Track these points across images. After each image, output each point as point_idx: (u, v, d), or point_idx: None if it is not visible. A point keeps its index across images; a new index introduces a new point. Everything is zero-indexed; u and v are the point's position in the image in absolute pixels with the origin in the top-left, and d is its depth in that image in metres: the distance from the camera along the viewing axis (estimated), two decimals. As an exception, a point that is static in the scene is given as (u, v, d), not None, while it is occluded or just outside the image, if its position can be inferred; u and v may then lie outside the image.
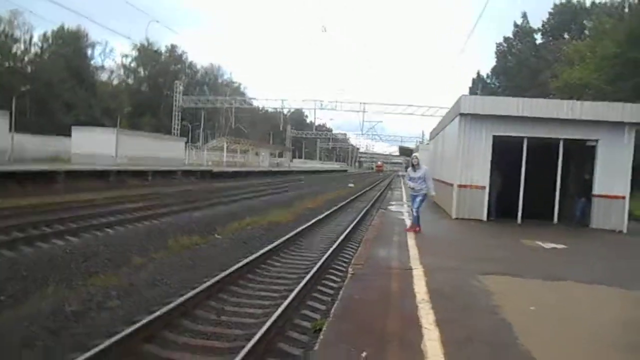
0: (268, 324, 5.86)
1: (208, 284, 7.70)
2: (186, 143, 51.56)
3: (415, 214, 11.67)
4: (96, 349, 5.03)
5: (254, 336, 5.51)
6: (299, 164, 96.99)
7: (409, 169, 12.30)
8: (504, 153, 14.49)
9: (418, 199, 11.65)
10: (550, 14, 55.40)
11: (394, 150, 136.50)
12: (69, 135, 36.78)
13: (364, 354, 3.75)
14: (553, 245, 10.39)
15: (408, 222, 12.97)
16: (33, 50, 60.94)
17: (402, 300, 5.39)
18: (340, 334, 4.35)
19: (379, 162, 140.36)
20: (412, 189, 11.87)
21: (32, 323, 6.19)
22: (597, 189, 14.25)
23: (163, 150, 41.19)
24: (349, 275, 6.67)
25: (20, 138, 34.82)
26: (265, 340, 5.57)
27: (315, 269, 8.88)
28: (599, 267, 8.46)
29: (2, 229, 11.51)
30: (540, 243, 10.54)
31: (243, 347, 5.27)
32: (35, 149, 37.17)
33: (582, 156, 15.33)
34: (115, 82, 78.30)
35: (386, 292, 5.72)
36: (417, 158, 12.21)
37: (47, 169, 25.10)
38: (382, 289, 5.89)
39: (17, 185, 21.69)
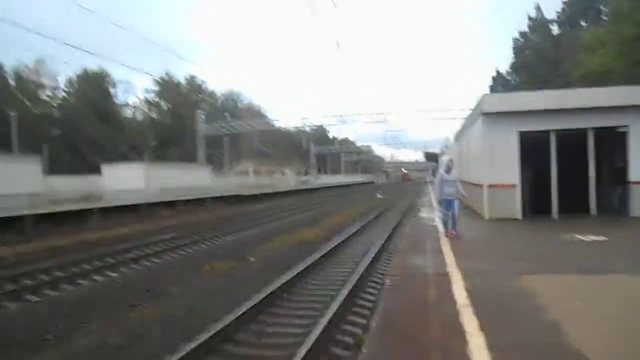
0: (310, 342, 5.84)
1: (245, 308, 7.73)
2: (212, 170, 52.24)
3: (453, 218, 11.32)
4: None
5: (295, 356, 5.50)
6: (325, 180, 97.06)
7: (441, 172, 11.81)
8: (533, 149, 14.21)
9: (456, 203, 11.40)
10: (564, 3, 54.54)
11: (420, 156, 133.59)
12: (100, 173, 37.75)
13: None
14: (593, 237, 10.07)
15: (440, 228, 12.79)
16: (60, 94, 63.21)
17: (442, 306, 5.28)
18: (382, 346, 4.28)
19: (405, 171, 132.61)
20: (447, 194, 11.39)
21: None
22: (632, 176, 13.80)
23: (190, 179, 41.80)
24: (386, 286, 6.59)
25: (54, 180, 35.88)
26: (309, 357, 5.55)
27: (352, 283, 8.83)
28: (642, 257, 8.16)
29: (43, 270, 11.84)
30: (579, 236, 10.23)
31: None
32: (68, 189, 38.20)
33: (613, 143, 14.92)
34: (139, 117, 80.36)
35: (425, 300, 5.62)
36: (452, 160, 11.86)
37: (81, 207, 25.79)
38: (421, 297, 5.79)
39: (53, 225, 22.32)
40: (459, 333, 4.38)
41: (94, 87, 64.75)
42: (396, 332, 4.64)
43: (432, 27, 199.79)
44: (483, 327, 4.46)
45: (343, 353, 6.00)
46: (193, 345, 6.10)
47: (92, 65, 65.59)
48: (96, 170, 39.87)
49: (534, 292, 5.77)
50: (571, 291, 5.92)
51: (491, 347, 4.01)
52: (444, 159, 12.00)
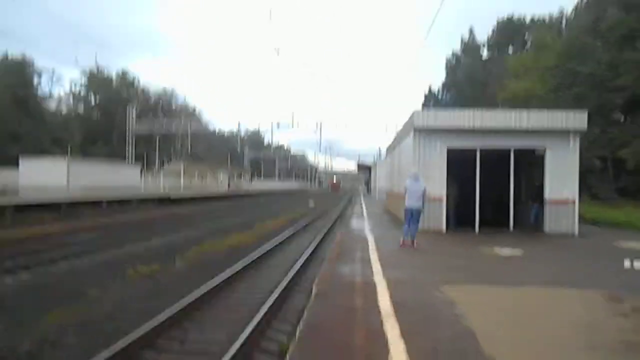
0: (233, 350, 5.74)
1: (168, 312, 7.48)
2: (142, 169, 50.44)
3: (412, 229, 11.60)
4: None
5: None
6: (258, 185, 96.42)
7: (408, 182, 11.93)
8: (459, 164, 14.88)
9: (418, 216, 11.66)
10: (493, 29, 57.90)
11: (353, 166, 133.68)
12: (16, 166, 35.35)
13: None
14: (510, 251, 10.68)
15: (370, 238, 13.05)
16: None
17: (367, 314, 5.39)
18: (306, 351, 4.29)
19: (334, 180, 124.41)
20: (413, 204, 11.58)
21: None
22: (548, 195, 14.80)
23: (118, 178, 40.13)
24: (312, 293, 6.62)
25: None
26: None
27: (279, 290, 8.79)
28: (554, 270, 8.75)
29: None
30: (497, 250, 10.81)
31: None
32: (-21, 182, 35.49)
33: (532, 164, 15.93)
34: (64, 110, 76.15)
35: (351, 308, 5.71)
36: (417, 172, 12.17)
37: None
38: (347, 304, 5.87)
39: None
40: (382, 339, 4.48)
41: (14, 75, 60.62)
42: (321, 339, 4.67)
43: (371, 41, 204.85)
44: (404, 334, 4.60)
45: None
46: (107, 354, 5.80)
47: (14, 51, 61.50)
48: (12, 163, 37.35)
49: (454, 301, 6.02)
50: (489, 301, 6.24)
51: (411, 352, 4.13)
52: (412, 171, 12.22)
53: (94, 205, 30.81)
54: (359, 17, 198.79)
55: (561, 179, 14.75)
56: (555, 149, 14.76)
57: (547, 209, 14.87)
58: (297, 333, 4.99)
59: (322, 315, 5.54)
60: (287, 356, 4.23)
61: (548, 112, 15.61)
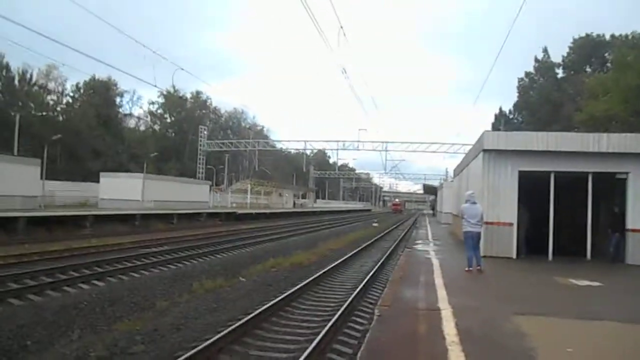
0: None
1: (231, 328, 7.60)
2: (210, 186, 52.22)
3: (476, 254, 11.22)
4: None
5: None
6: (322, 204, 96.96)
7: (465, 206, 11.57)
8: (531, 188, 14.21)
9: (478, 240, 11.29)
10: (570, 47, 55.48)
11: (418, 188, 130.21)
12: (97, 181, 37.71)
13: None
14: (587, 282, 9.98)
15: (434, 261, 12.70)
16: (65, 100, 63.63)
17: (431, 342, 5.18)
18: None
19: (396, 200, 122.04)
20: (471, 229, 11.18)
21: (56, 370, 6.17)
22: (630, 223, 13.78)
23: (188, 194, 41.77)
24: (375, 316, 6.48)
25: (51, 184, 35.85)
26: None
27: (340, 311, 8.71)
28: (637, 306, 8.06)
29: (30, 274, 11.69)
30: (573, 280, 10.14)
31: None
32: (64, 195, 38.17)
33: (612, 190, 14.94)
34: (142, 128, 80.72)
35: (413, 334, 5.52)
36: (474, 194, 11.79)
37: (76, 213, 25.66)
38: (409, 330, 5.69)
39: (46, 230, 22.18)
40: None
41: (100, 95, 65.21)
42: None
43: (440, 61, 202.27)
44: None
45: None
46: (174, 363, 5.95)
47: (101, 74, 66.12)
48: (94, 177, 39.90)
49: (525, 332, 5.69)
50: (563, 335, 5.84)
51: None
52: (467, 193, 11.85)
53: (165, 218, 32.22)
54: (429, 28, 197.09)
55: (646, 206, 13.70)
56: (639, 174, 13.77)
57: (630, 239, 13.83)
58: (359, 355, 4.90)
59: (384, 340, 5.41)
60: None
61: (631, 135, 14.63)
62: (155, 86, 33.28)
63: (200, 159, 62.94)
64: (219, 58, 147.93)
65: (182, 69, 30.64)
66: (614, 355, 5.19)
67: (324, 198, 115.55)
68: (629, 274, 12.45)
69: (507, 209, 14.08)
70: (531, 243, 14.63)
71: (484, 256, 13.90)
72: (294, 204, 77.62)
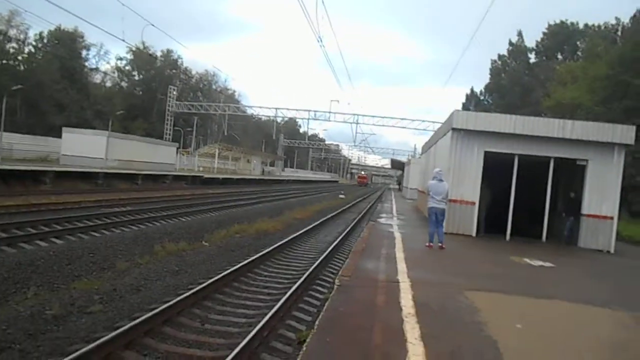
0: (252, 333, 5.78)
1: (192, 291, 7.60)
2: (177, 148, 51.33)
3: (439, 231, 11.38)
4: (74, 355, 4.92)
5: (238, 345, 5.43)
6: (291, 173, 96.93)
7: (431, 183, 11.63)
8: (495, 169, 14.53)
9: (443, 217, 11.44)
10: (544, 33, 56.12)
11: (387, 162, 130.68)
12: (60, 136, 36.51)
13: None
14: (541, 263, 10.37)
15: (397, 235, 12.93)
16: (27, 49, 60.70)
17: (388, 313, 5.32)
18: (324, 346, 4.27)
19: (362, 173, 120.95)
20: (437, 206, 11.28)
21: (9, 326, 6.06)
22: (586, 209, 14.31)
23: (154, 155, 40.98)
24: (335, 286, 6.59)
25: (9, 137, 34.53)
26: (249, 350, 5.50)
27: (302, 278, 8.83)
28: (586, 287, 8.46)
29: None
30: (528, 260, 10.52)
31: (226, 357, 5.19)
32: (24, 148, 36.88)
33: (571, 175, 15.43)
34: (108, 84, 78.03)
35: (372, 305, 5.65)
36: (442, 171, 11.83)
37: (35, 168, 24.86)
38: (368, 301, 5.81)
39: (3, 184, 21.45)
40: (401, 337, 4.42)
41: (65, 46, 62.43)
42: (339, 334, 4.64)
43: (416, 37, 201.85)
44: (424, 337, 4.52)
45: (285, 348, 5.95)
46: (131, 323, 5.93)
47: (67, 25, 63.21)
48: (56, 132, 38.58)
49: (478, 307, 5.89)
50: (514, 311, 6.07)
51: (429, 356, 4.06)
52: (435, 170, 11.93)
53: (130, 178, 31.63)
54: (406, 9, 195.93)
55: (601, 193, 14.21)
56: (598, 162, 14.21)
57: (584, 223, 14.38)
58: (317, 322, 4.99)
59: (343, 310, 5.51)
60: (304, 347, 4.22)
61: (594, 123, 15.04)
62: (124, 40, 32.12)
63: (168, 119, 61.59)
64: (194, 19, 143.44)
65: (153, 25, 29.52)
66: (561, 332, 5.41)
67: (292, 167, 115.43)
68: (581, 256, 12.98)
69: (471, 188, 14.38)
70: (491, 223, 15.04)
71: (446, 233, 14.29)
72: (263, 171, 77.31)
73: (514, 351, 4.46)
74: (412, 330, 4.65)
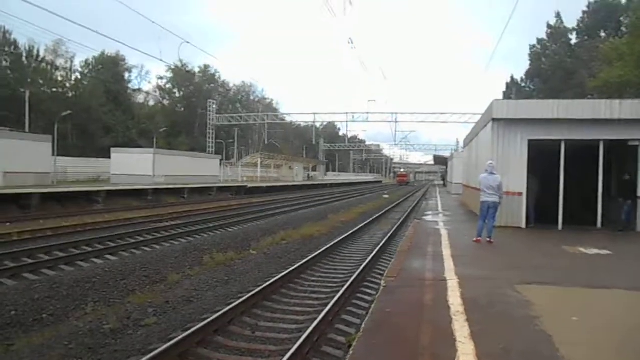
0: (302, 339, 5.82)
1: (241, 300, 7.73)
2: (221, 160, 52.38)
3: (489, 225, 11.08)
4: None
5: (288, 352, 5.48)
6: (333, 177, 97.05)
7: (482, 176, 11.39)
8: (541, 157, 14.06)
9: (494, 211, 11.13)
10: (584, 12, 54.00)
11: (430, 159, 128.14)
12: (109, 157, 38.00)
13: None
14: (596, 251, 9.94)
15: (443, 232, 12.71)
16: (74, 76, 63.62)
17: (436, 312, 5.21)
18: (370, 348, 4.23)
19: (402, 170, 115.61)
20: (489, 199, 11.00)
21: (71, 341, 6.34)
22: (642, 190, 13.62)
23: (199, 169, 41.99)
24: (381, 287, 6.54)
25: (63, 161, 36.21)
26: (299, 355, 5.54)
27: (350, 281, 8.82)
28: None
29: (44, 249, 11.91)
30: (582, 249, 10.09)
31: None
32: (77, 171, 38.60)
33: (624, 157, 14.73)
34: (151, 103, 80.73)
35: (419, 305, 5.56)
36: (493, 164, 11.51)
37: (88, 189, 25.97)
38: (415, 301, 5.73)
39: (59, 206, 22.51)
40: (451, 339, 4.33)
41: (108, 70, 65.09)
42: (386, 334, 4.60)
43: (448, 29, 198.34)
44: (474, 335, 4.42)
45: (335, 352, 5.96)
46: (184, 334, 6.09)
47: (109, 50, 65.88)
48: (105, 153, 40.16)
49: (531, 302, 5.70)
50: (569, 303, 5.84)
51: (480, 355, 3.95)
52: (488, 162, 11.62)
53: (177, 192, 32.53)
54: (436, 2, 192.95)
55: (658, 174, 13.51)
56: (652, 141, 13.52)
57: (642, 206, 13.69)
58: (363, 325, 4.97)
59: (389, 311, 5.46)
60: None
61: (644, 101, 14.31)
62: (161, 60, 33.58)
63: (209, 133, 62.95)
64: (225, 31, 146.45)
65: (188, 43, 30.38)
66: (620, 323, 5.16)
67: (334, 170, 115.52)
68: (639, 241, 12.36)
69: (517, 179, 13.95)
70: (541, 212, 14.54)
71: (494, 226, 13.93)
72: (309, 176, 77.81)
73: (572, 346, 4.26)
74: (461, 329, 4.54)
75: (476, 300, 5.69)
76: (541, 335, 4.55)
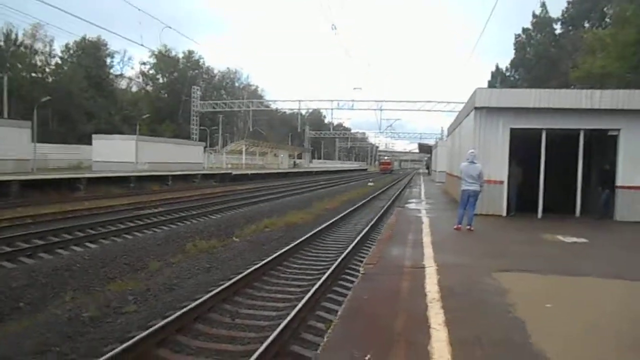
0: (281, 326, 5.85)
1: (222, 287, 7.73)
2: (205, 147, 51.99)
3: (469, 213, 11.15)
4: (108, 355, 5.06)
5: (267, 339, 5.50)
6: (318, 164, 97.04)
7: (463, 164, 11.46)
8: (522, 146, 14.19)
9: (475, 199, 11.19)
10: (569, 2, 54.24)
11: (414, 147, 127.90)
12: (90, 143, 37.45)
13: (367, 357, 3.66)
14: (574, 239, 10.10)
15: (425, 220, 12.81)
16: (54, 61, 62.37)
17: (412, 299, 5.26)
18: (346, 335, 4.27)
19: (385, 158, 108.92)
20: (469, 188, 11.08)
21: (49, 329, 6.29)
22: (620, 180, 13.85)
23: (182, 155, 41.63)
24: (359, 275, 6.58)
25: (43, 147, 35.58)
26: (279, 342, 5.57)
27: (331, 269, 8.86)
28: (621, 261, 8.17)
29: (23, 237, 11.75)
30: (560, 237, 10.25)
31: (255, 350, 5.25)
32: (57, 157, 38.00)
33: (603, 146, 14.94)
34: (134, 89, 79.57)
35: (396, 291, 5.60)
36: (474, 153, 11.52)
37: (69, 176, 25.61)
38: (393, 288, 5.77)
39: (39, 193, 22.18)
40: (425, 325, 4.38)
41: (90, 56, 63.91)
42: (362, 321, 4.63)
43: (433, 17, 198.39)
44: (448, 322, 4.48)
45: (315, 339, 5.99)
46: (163, 322, 6.07)
47: (90, 34, 64.64)
48: (87, 140, 39.58)
49: (506, 289, 5.78)
50: (544, 291, 5.93)
51: (453, 342, 4.01)
52: (469, 151, 11.65)
53: (160, 179, 32.26)
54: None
55: (636, 164, 13.72)
56: (631, 131, 13.70)
57: (619, 196, 13.92)
58: (340, 312, 5.01)
59: (366, 298, 5.50)
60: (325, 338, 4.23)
61: (624, 91, 14.47)
62: (142, 45, 32.78)
63: (193, 120, 62.38)
64: (208, 16, 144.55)
65: (170, 27, 29.86)
66: (593, 310, 5.25)
67: (319, 158, 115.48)
68: (616, 230, 12.60)
69: (498, 167, 14.08)
70: (522, 201, 14.72)
71: (475, 214, 14.06)
72: (295, 164, 77.66)
73: (544, 332, 4.34)
74: (436, 316, 4.59)
75: (453, 287, 5.75)
76: (515, 322, 4.62)
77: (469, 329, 4.34)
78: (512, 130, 14.03)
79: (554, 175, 14.60)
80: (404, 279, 6.11)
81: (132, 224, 14.89)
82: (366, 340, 4.08)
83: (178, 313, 6.43)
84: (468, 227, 11.02)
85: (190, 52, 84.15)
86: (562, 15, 55.71)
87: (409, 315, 4.69)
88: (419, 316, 4.64)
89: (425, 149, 75.14)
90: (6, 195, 20.22)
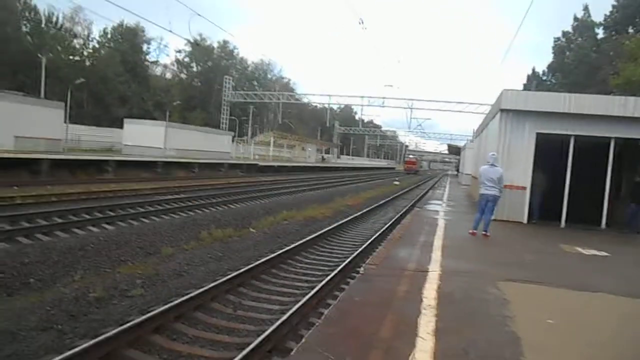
0: (280, 321, 5.82)
1: (230, 276, 7.75)
2: (234, 137, 52.40)
3: (486, 218, 10.85)
4: (102, 337, 5.12)
5: (263, 333, 5.48)
6: (346, 160, 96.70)
7: (483, 168, 11.11)
8: (548, 152, 13.76)
9: (493, 204, 10.88)
10: (613, 6, 52.33)
11: (445, 148, 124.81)
12: (122, 127, 38.21)
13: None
14: (594, 252, 9.72)
15: (440, 222, 12.58)
16: (91, 45, 63.79)
17: (406, 305, 5.10)
18: (323, 339, 4.11)
19: (410, 157, 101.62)
20: (488, 192, 10.75)
21: (53, 307, 6.41)
22: (650, 193, 13.28)
23: (211, 144, 42.05)
24: (357, 275, 6.47)
25: (77, 129, 36.52)
26: (276, 337, 5.54)
27: (341, 266, 8.79)
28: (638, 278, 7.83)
29: (44, 214, 12.03)
30: (579, 249, 9.89)
31: (250, 343, 5.23)
32: (90, 139, 38.92)
33: (636, 157, 14.35)
34: (168, 76, 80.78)
35: (391, 295, 5.44)
36: (495, 155, 11.26)
37: (98, 158, 26.19)
38: (388, 291, 5.61)
39: (69, 173, 22.75)
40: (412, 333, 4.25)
41: (127, 41, 65.12)
42: (345, 325, 4.53)
43: (466, 15, 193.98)
44: (438, 332, 4.32)
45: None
46: (162, 308, 6.11)
47: (129, 21, 65.81)
48: (119, 124, 40.39)
49: (507, 300, 5.56)
50: (548, 304, 5.68)
51: (437, 354, 3.84)
52: (490, 154, 11.38)
53: (187, 166, 32.70)
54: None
55: (668, 176, 13.14)
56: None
57: (649, 209, 13.35)
58: (326, 313, 4.91)
59: (357, 300, 5.39)
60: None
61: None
62: (171, 31, 33.05)
63: (224, 109, 62.92)
64: (242, 8, 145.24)
65: (199, 15, 29.96)
66: (598, 329, 4.97)
67: (348, 154, 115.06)
68: (640, 245, 12.10)
69: (522, 172, 13.69)
70: (545, 209, 14.28)
71: (494, 220, 13.72)
72: (323, 158, 77.63)
73: (538, 350, 4.13)
74: (426, 324, 4.42)
75: (452, 294, 5.57)
76: (510, 336, 4.42)
77: (458, 341, 4.15)
78: (538, 135, 13.61)
79: (581, 184, 14.10)
80: (403, 282, 5.95)
81: (151, 209, 15.10)
82: (343, 346, 3.94)
83: (178, 300, 6.47)
84: (484, 232, 10.75)
85: (225, 42, 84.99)
86: (605, 19, 53.83)
87: (399, 321, 4.53)
88: (408, 323, 4.47)
89: (454, 150, 74.01)
90: (36, 173, 20.81)
